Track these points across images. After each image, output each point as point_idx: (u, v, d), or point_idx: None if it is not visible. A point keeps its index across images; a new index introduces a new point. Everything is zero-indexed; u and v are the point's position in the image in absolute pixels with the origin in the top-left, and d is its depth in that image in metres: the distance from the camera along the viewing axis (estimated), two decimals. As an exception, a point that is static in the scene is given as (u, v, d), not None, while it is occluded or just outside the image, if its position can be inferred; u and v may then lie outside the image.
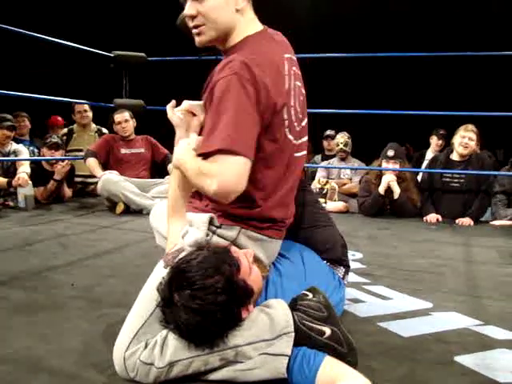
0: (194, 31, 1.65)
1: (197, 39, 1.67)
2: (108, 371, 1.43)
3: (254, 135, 1.53)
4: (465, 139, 4.42)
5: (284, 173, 1.68)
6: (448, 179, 4.52)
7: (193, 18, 1.62)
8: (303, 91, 1.79)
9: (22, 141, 5.40)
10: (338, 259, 1.97)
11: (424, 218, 4.42)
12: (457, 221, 4.30)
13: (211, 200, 1.67)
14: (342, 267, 1.97)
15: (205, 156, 1.50)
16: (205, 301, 1.30)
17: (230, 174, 1.45)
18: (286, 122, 1.64)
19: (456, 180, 4.49)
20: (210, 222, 1.60)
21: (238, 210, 1.63)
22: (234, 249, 1.48)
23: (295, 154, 1.72)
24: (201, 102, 1.86)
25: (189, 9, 1.62)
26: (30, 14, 7.53)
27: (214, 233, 1.62)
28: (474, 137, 4.44)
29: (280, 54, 1.66)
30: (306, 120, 1.79)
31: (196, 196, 1.78)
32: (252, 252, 1.52)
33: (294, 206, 1.85)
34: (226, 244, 1.55)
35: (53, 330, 1.74)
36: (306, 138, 1.80)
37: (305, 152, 1.81)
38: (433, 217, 4.38)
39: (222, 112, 1.48)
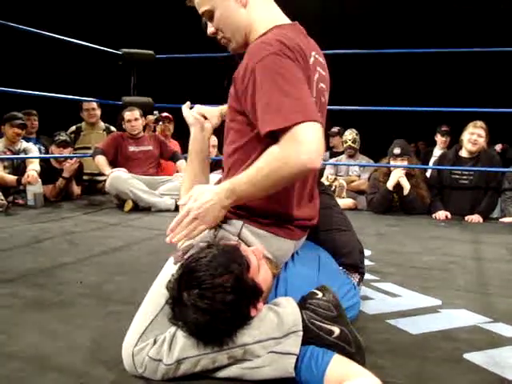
0: (224, 43, 1.72)
1: (229, 49, 1.73)
2: (116, 368, 1.43)
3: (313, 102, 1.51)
4: (474, 136, 4.41)
5: None
6: (457, 176, 4.50)
7: (215, 34, 1.70)
8: (326, 95, 1.74)
9: (28, 139, 5.42)
10: (355, 264, 1.94)
11: (433, 215, 4.41)
12: (466, 218, 4.28)
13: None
14: (357, 274, 1.95)
15: (281, 131, 1.37)
16: (214, 300, 1.29)
17: (314, 138, 1.36)
18: None
19: (465, 177, 4.47)
20: None
21: (247, 203, 1.58)
22: (243, 247, 1.47)
23: None
24: (213, 108, 1.90)
25: (209, 29, 1.71)
26: (38, 12, 7.55)
27: (220, 226, 1.60)
28: (483, 133, 4.42)
29: (308, 48, 1.59)
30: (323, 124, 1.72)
31: None
32: (261, 250, 1.52)
33: (314, 209, 1.81)
34: (235, 242, 1.54)
35: (61, 327, 1.75)
36: None
37: None
38: (442, 214, 4.36)
39: (281, 87, 1.39)
